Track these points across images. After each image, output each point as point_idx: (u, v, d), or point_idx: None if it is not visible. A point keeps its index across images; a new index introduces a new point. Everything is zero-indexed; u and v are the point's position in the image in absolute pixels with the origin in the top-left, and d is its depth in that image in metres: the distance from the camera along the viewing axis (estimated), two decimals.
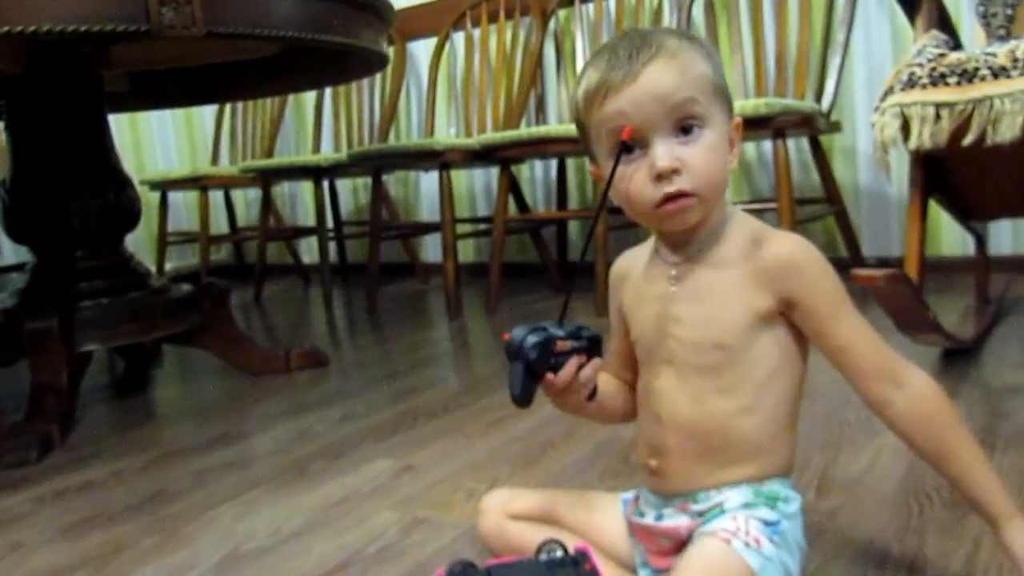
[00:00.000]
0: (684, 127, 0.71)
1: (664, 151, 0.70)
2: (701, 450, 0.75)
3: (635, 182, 0.72)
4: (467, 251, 3.43)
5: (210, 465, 1.36)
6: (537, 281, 3.10)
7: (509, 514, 0.83)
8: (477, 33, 3.10)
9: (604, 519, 0.83)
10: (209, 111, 4.00)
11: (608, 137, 0.73)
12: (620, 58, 0.71)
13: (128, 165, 3.86)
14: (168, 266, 3.83)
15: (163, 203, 3.64)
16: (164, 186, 3.57)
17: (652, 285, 0.79)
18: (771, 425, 0.74)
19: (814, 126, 2.18)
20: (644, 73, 0.70)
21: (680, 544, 0.74)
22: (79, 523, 1.16)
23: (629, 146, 0.71)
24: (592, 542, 0.79)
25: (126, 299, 1.76)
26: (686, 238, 0.76)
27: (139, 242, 3.87)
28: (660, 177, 0.70)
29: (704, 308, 0.75)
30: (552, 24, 3.00)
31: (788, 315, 0.74)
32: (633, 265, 0.83)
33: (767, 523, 0.70)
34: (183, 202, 4.14)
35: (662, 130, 0.70)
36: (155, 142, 4.12)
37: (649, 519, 0.78)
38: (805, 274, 0.72)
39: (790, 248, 0.73)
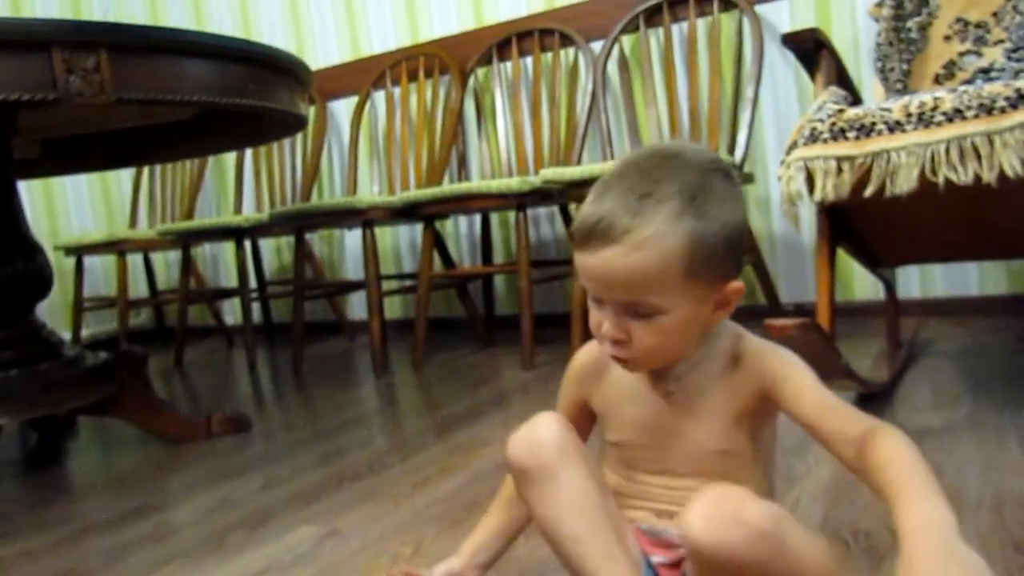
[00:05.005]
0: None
1: (609, 324, 0.73)
2: None
3: (592, 324, 0.76)
4: (393, 308, 3.41)
5: (125, 540, 1.31)
6: (464, 336, 3.10)
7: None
8: (397, 91, 3.13)
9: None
10: (126, 173, 3.94)
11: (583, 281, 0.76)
12: (598, 222, 0.71)
13: (42, 230, 3.80)
14: (85, 332, 3.72)
15: (79, 268, 3.54)
16: (80, 251, 3.48)
17: (641, 395, 0.81)
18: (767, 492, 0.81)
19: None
20: (599, 254, 0.71)
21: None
22: None
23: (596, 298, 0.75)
24: None
25: (36, 370, 1.70)
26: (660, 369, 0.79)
27: (55, 308, 3.75)
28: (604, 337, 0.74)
29: (701, 422, 0.78)
30: (471, 81, 3.04)
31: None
32: (603, 364, 0.85)
33: None
34: (101, 266, 4.04)
35: (616, 302, 0.73)
36: (70, 206, 4.02)
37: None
38: (787, 383, 0.76)
39: (771, 365, 0.77)
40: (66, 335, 3.53)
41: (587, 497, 0.76)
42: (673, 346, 0.74)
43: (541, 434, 0.78)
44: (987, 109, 1.19)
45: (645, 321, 0.72)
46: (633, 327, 0.72)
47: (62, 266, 3.62)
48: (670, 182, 0.71)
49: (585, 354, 0.87)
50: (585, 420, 0.89)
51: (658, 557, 0.80)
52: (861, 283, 2.54)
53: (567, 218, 2.77)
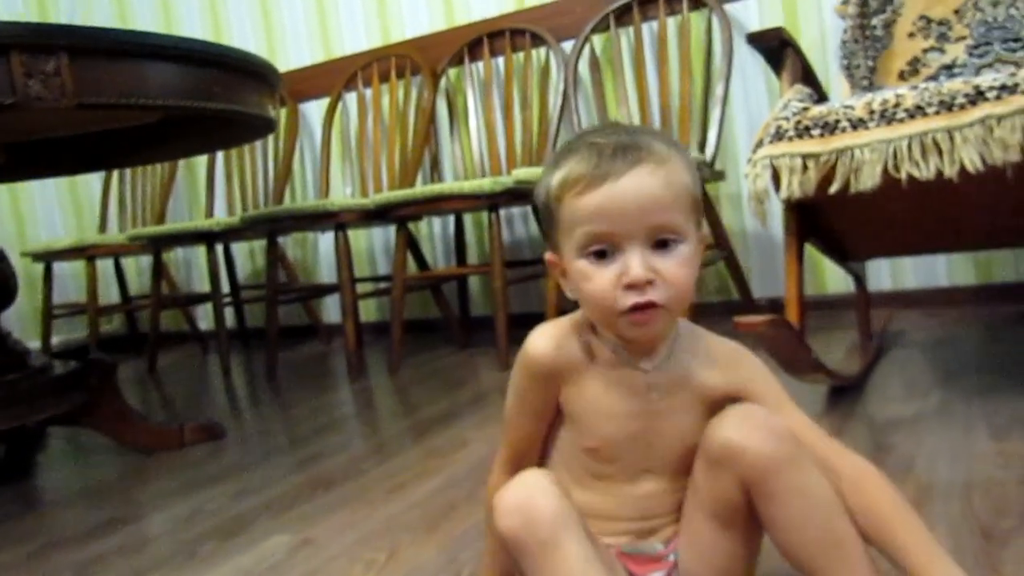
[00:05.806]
0: (660, 240, 0.70)
1: (639, 261, 0.69)
2: None
3: (601, 286, 0.71)
4: (369, 310, 3.40)
5: (95, 554, 1.30)
6: (440, 337, 3.09)
7: None
8: (369, 93, 3.12)
9: None
10: (96, 178, 3.89)
11: (582, 237, 0.71)
12: (605, 154, 0.70)
13: (9, 237, 3.75)
14: (56, 340, 3.67)
15: (47, 275, 3.50)
16: (48, 257, 3.44)
17: (623, 396, 0.77)
18: None
19: (699, 175, 2.25)
20: (629, 174, 0.69)
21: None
22: None
23: (603, 251, 0.71)
24: None
25: (2, 381, 1.67)
26: (651, 345, 0.77)
27: (24, 316, 3.71)
28: (631, 286, 0.69)
29: (683, 416, 0.77)
30: (443, 82, 3.03)
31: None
32: (569, 357, 0.79)
33: None
34: (70, 272, 4.00)
35: (638, 238, 0.70)
36: (37, 211, 3.97)
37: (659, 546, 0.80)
38: (757, 396, 0.78)
39: (741, 369, 0.79)
40: (36, 344, 3.49)
41: (592, 564, 0.70)
42: (690, 285, 0.72)
43: (538, 504, 0.71)
44: (947, 106, 1.20)
45: (669, 254, 0.70)
46: (659, 264, 0.69)
47: (30, 273, 3.58)
48: (648, 130, 0.76)
49: (545, 349, 0.79)
50: (550, 421, 0.83)
51: (655, 574, 0.79)
52: (833, 276, 2.56)
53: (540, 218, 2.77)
